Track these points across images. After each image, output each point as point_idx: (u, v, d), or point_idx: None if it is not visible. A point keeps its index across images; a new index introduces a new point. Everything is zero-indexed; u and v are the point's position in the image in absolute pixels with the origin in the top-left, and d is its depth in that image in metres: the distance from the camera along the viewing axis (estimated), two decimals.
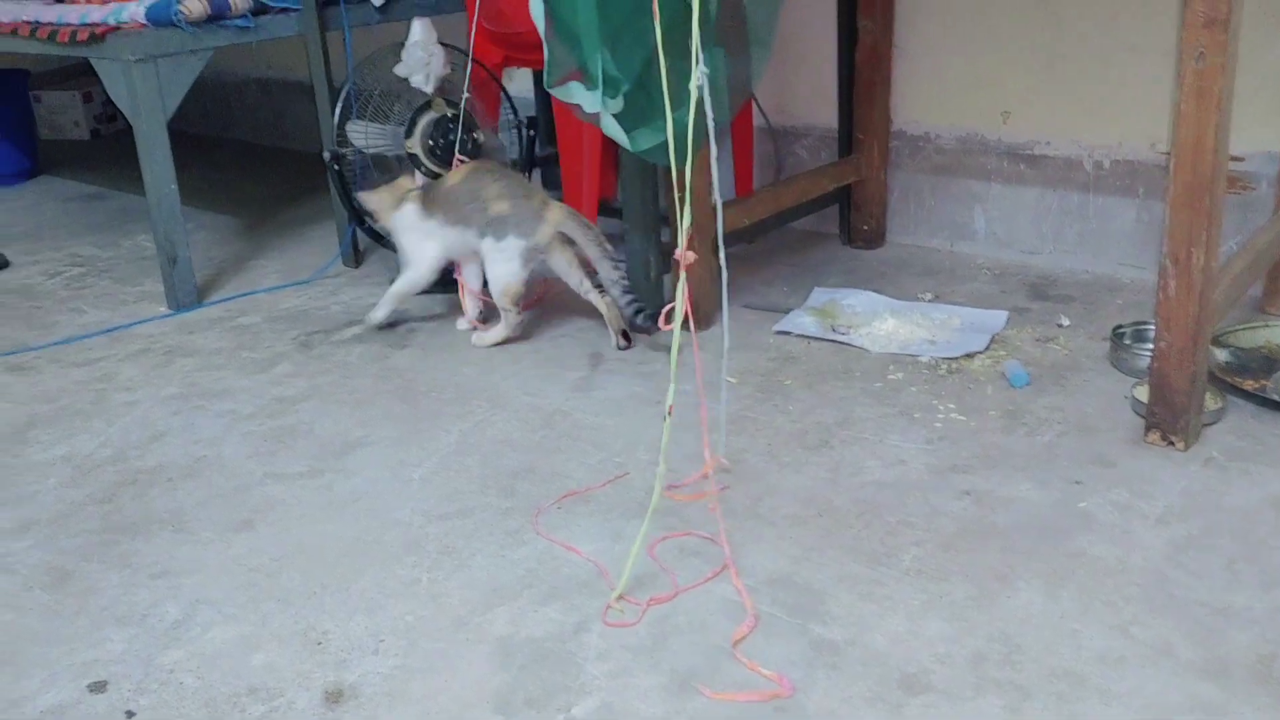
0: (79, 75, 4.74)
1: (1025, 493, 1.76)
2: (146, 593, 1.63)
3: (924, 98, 2.84)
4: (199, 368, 2.41)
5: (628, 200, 2.41)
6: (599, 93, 1.76)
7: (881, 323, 2.38)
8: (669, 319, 1.48)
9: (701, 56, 1.39)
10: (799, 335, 2.37)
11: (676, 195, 1.48)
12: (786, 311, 2.48)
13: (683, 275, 1.46)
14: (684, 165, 1.46)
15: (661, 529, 1.67)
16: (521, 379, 2.26)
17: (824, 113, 2.94)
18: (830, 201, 2.86)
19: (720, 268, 1.50)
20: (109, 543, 1.76)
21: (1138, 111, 2.54)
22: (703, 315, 2.16)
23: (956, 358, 2.22)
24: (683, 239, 1.47)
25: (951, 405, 2.04)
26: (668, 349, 1.52)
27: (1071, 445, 1.89)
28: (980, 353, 2.24)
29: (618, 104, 1.78)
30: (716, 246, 1.58)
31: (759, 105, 3.01)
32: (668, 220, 2.30)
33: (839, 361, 2.25)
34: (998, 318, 2.40)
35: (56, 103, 4.80)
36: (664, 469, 1.54)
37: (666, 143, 1.49)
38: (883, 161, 2.85)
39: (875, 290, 2.57)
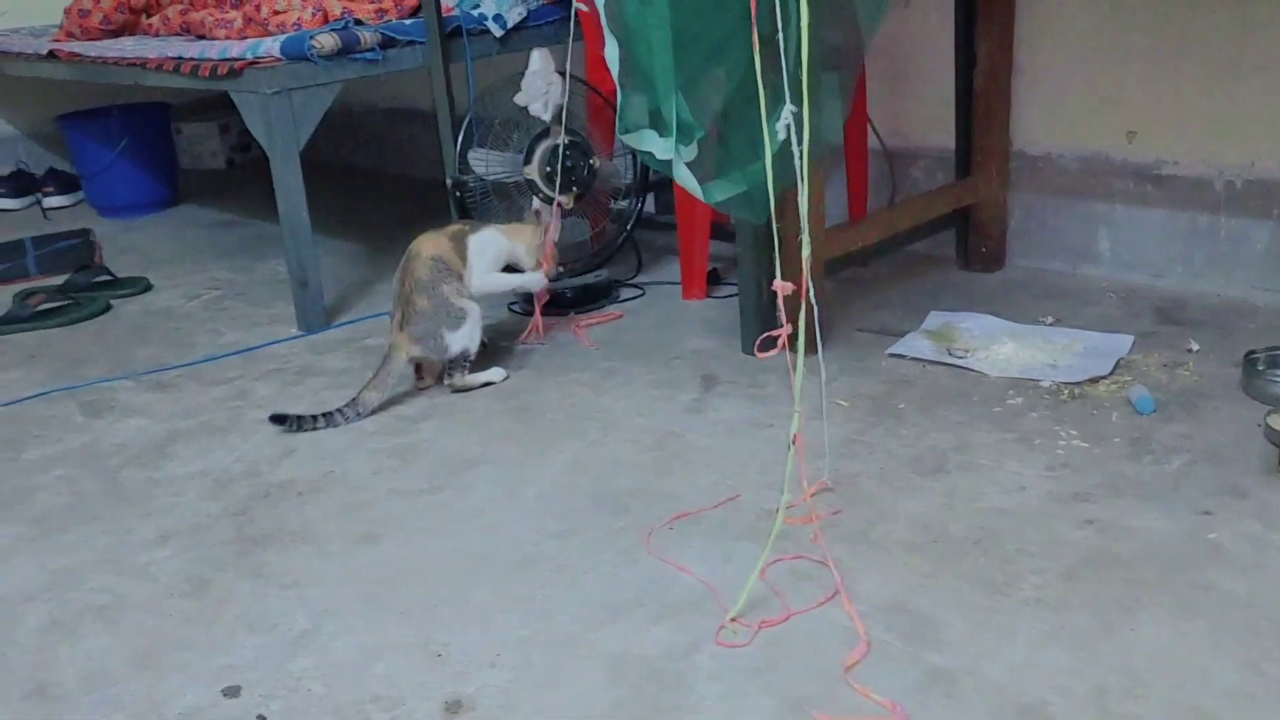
0: (216, 108, 4.98)
1: (1151, 522, 1.71)
2: (277, 602, 1.70)
3: (1045, 118, 2.78)
4: (327, 386, 2.51)
5: (740, 224, 2.43)
6: (672, 140, 1.72)
7: (1000, 346, 2.34)
8: (763, 347, 1.48)
9: (797, 93, 1.37)
10: (913, 359, 2.34)
11: (776, 228, 1.48)
12: (901, 335, 2.46)
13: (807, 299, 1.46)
14: (765, 219, 1.45)
15: (774, 551, 1.67)
16: (634, 401, 2.28)
17: (940, 134, 2.91)
18: (947, 224, 2.83)
19: (810, 296, 1.50)
20: (242, 553, 1.84)
21: (1270, 130, 2.45)
22: (810, 340, 2.15)
23: (1079, 382, 2.17)
24: (806, 269, 1.48)
25: (1074, 431, 2.00)
26: (781, 371, 1.53)
27: (1201, 474, 1.83)
28: (1104, 378, 2.18)
29: (691, 152, 1.72)
30: (824, 273, 1.58)
31: (874, 127, 2.99)
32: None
33: (955, 385, 2.22)
34: (1123, 342, 2.34)
35: (195, 134, 5.05)
36: (788, 498, 1.54)
37: (743, 195, 1.45)
38: (1002, 183, 2.81)
39: (994, 313, 2.53)
